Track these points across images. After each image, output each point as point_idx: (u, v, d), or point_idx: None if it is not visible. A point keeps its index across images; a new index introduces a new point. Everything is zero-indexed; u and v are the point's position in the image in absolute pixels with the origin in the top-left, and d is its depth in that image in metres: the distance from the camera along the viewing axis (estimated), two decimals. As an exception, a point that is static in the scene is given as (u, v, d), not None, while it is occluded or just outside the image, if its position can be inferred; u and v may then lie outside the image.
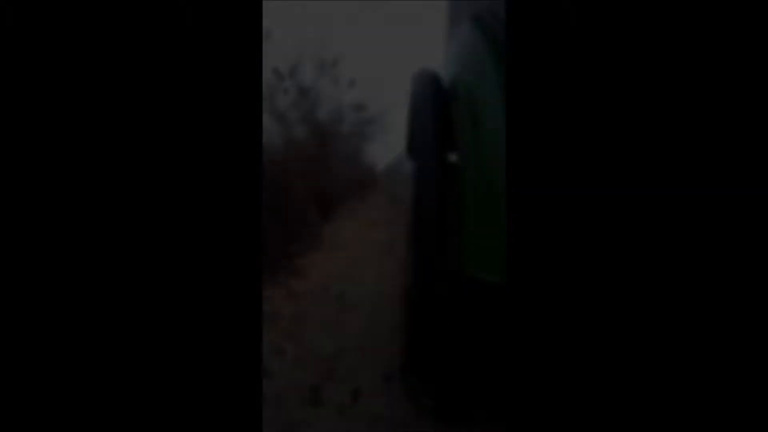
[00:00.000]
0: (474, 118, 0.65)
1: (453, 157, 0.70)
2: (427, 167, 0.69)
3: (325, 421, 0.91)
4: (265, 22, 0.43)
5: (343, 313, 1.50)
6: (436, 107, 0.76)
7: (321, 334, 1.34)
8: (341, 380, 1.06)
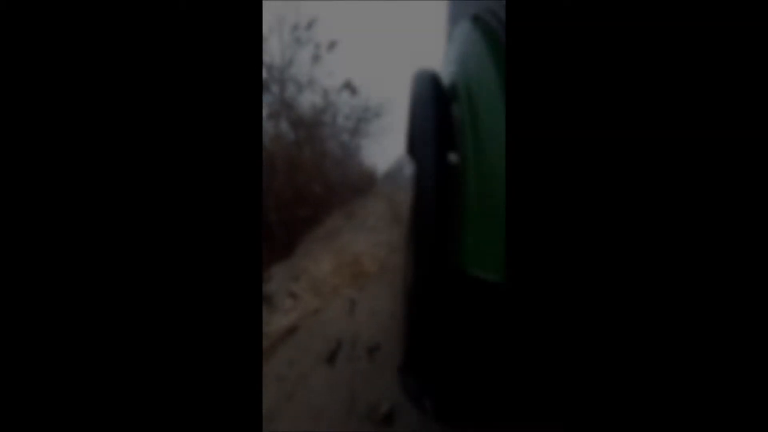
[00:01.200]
0: (474, 118, 0.65)
1: (453, 157, 0.70)
2: (427, 167, 0.69)
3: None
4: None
5: None
6: (436, 107, 0.76)
7: None
8: None
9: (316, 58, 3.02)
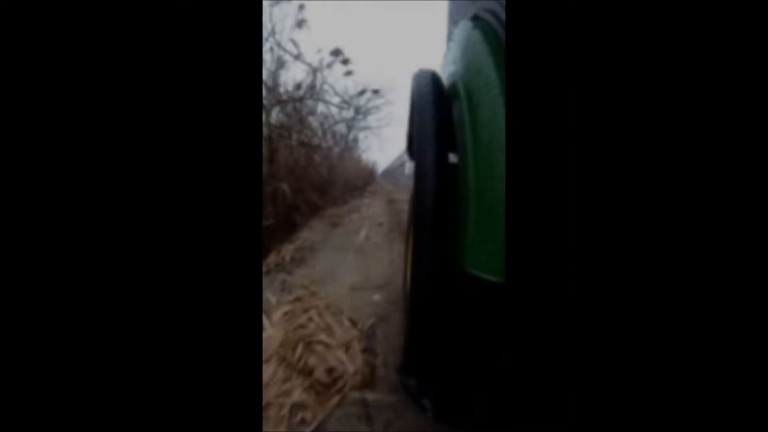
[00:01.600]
0: (474, 118, 0.65)
1: (453, 157, 0.70)
2: (426, 167, 0.69)
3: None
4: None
5: None
6: (436, 107, 0.76)
7: None
8: None
9: (300, 23, 2.33)
